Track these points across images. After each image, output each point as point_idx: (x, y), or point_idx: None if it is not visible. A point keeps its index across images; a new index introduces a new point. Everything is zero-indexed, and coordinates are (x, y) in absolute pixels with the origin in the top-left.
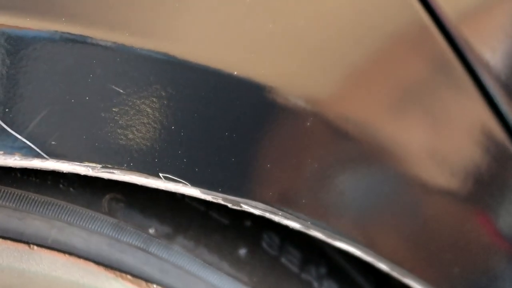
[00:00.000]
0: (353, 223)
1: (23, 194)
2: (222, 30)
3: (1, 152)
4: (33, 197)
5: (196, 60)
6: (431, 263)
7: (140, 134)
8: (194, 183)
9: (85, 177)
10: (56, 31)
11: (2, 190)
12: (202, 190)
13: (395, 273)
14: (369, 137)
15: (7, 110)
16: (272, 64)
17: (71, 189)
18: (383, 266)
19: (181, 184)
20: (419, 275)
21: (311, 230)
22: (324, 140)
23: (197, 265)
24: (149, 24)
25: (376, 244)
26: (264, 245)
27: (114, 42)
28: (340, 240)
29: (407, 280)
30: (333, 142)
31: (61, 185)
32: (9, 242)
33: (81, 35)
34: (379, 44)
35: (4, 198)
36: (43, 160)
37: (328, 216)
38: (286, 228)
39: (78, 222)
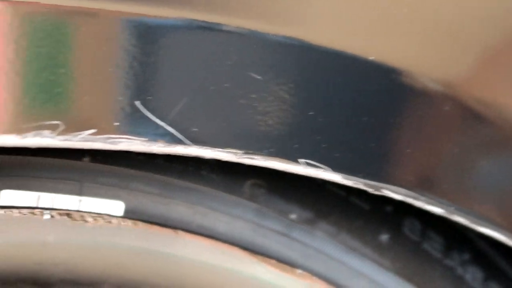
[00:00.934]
0: (498, 208)
1: (167, 180)
2: (357, 15)
3: (146, 139)
4: (176, 183)
5: (331, 45)
6: None
7: (280, 120)
8: (335, 168)
9: (226, 163)
10: (194, 20)
11: (147, 176)
12: (344, 175)
13: None
14: (510, 120)
15: (149, 98)
16: (409, 49)
17: (212, 175)
18: None
19: (322, 170)
20: None
21: (455, 215)
22: (464, 125)
23: (340, 250)
24: (285, 11)
25: None
26: (406, 230)
27: (250, 30)
28: (484, 225)
29: None
30: (473, 127)
31: (202, 171)
32: (155, 227)
33: (217, 23)
34: None
35: (149, 184)
36: (186, 146)
37: (472, 201)
38: (427, 213)
39: (220, 208)
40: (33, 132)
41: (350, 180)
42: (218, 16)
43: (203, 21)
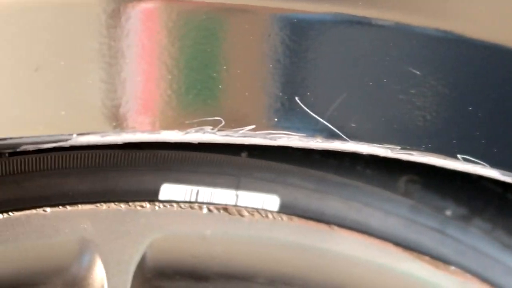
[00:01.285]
0: None
1: (322, 175)
2: None
3: (304, 135)
4: (331, 178)
5: (490, 39)
6: None
7: (438, 116)
8: (494, 164)
9: (381, 159)
10: (353, 15)
11: (303, 171)
12: (502, 171)
13: None
14: None
15: (308, 94)
16: None
17: (367, 170)
18: None
19: (480, 166)
20: None
21: None
22: None
23: (495, 248)
24: (443, 4)
25: None
26: None
27: (408, 25)
28: None
29: None
30: None
31: (357, 167)
32: (311, 222)
33: (376, 18)
34: None
35: (305, 179)
36: (344, 142)
37: None
38: None
39: (375, 203)
40: (195, 128)
41: (509, 176)
42: (376, 11)
43: (362, 17)
